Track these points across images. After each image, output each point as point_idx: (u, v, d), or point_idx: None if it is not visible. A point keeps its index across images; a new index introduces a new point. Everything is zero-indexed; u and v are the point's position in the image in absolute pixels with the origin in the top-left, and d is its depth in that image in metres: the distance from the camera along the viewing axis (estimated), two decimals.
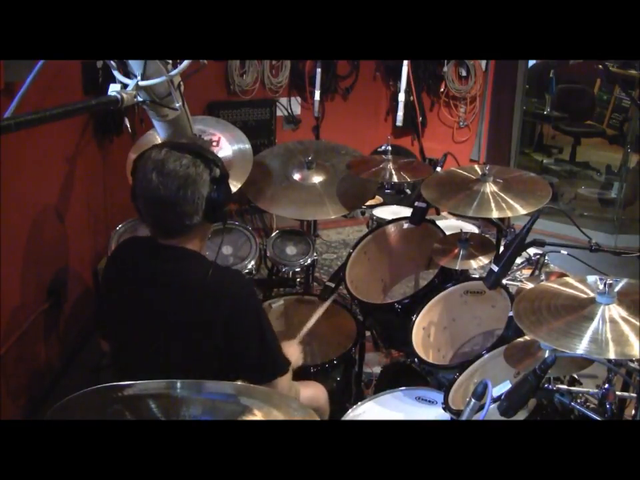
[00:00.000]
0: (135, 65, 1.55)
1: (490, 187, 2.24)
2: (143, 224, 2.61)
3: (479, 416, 1.39)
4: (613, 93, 5.90)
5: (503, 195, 2.21)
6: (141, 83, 1.52)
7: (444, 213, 4.01)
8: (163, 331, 1.67)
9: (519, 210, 2.13)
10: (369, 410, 2.05)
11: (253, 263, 2.77)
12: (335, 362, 2.30)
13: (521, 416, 1.67)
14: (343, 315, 2.56)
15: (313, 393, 2.06)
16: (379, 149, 4.45)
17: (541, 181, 2.35)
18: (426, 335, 2.29)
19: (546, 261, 2.54)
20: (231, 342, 1.64)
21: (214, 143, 2.75)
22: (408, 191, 4.33)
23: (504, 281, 2.24)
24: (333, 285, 2.58)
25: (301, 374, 2.19)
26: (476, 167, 2.39)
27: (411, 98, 4.79)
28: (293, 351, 2.04)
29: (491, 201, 2.19)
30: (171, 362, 1.66)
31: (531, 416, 1.73)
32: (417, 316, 2.25)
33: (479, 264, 2.29)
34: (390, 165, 2.65)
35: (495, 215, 2.16)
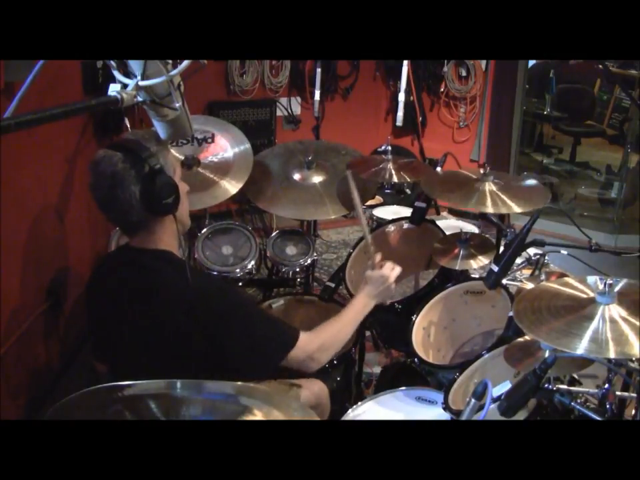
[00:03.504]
0: (135, 65, 1.54)
1: (489, 186, 2.25)
2: None
3: (479, 416, 1.39)
4: (613, 93, 5.90)
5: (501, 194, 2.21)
6: (141, 83, 1.52)
7: (444, 213, 4.02)
8: (150, 344, 1.66)
9: (515, 208, 2.14)
10: (368, 410, 2.05)
11: (252, 263, 2.78)
12: (335, 362, 2.29)
13: (521, 416, 1.66)
14: None
15: (314, 391, 2.06)
16: (379, 149, 4.45)
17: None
18: (426, 334, 2.29)
19: (546, 261, 2.54)
20: (219, 345, 1.64)
21: (208, 140, 2.75)
22: (408, 191, 4.33)
23: (504, 281, 2.24)
24: (333, 285, 2.58)
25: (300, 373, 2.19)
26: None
27: (411, 98, 4.79)
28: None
29: (489, 198, 2.20)
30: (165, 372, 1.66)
31: (531, 416, 1.73)
32: (417, 316, 2.26)
33: (478, 264, 2.29)
34: (390, 165, 2.65)
35: (491, 209, 2.17)
